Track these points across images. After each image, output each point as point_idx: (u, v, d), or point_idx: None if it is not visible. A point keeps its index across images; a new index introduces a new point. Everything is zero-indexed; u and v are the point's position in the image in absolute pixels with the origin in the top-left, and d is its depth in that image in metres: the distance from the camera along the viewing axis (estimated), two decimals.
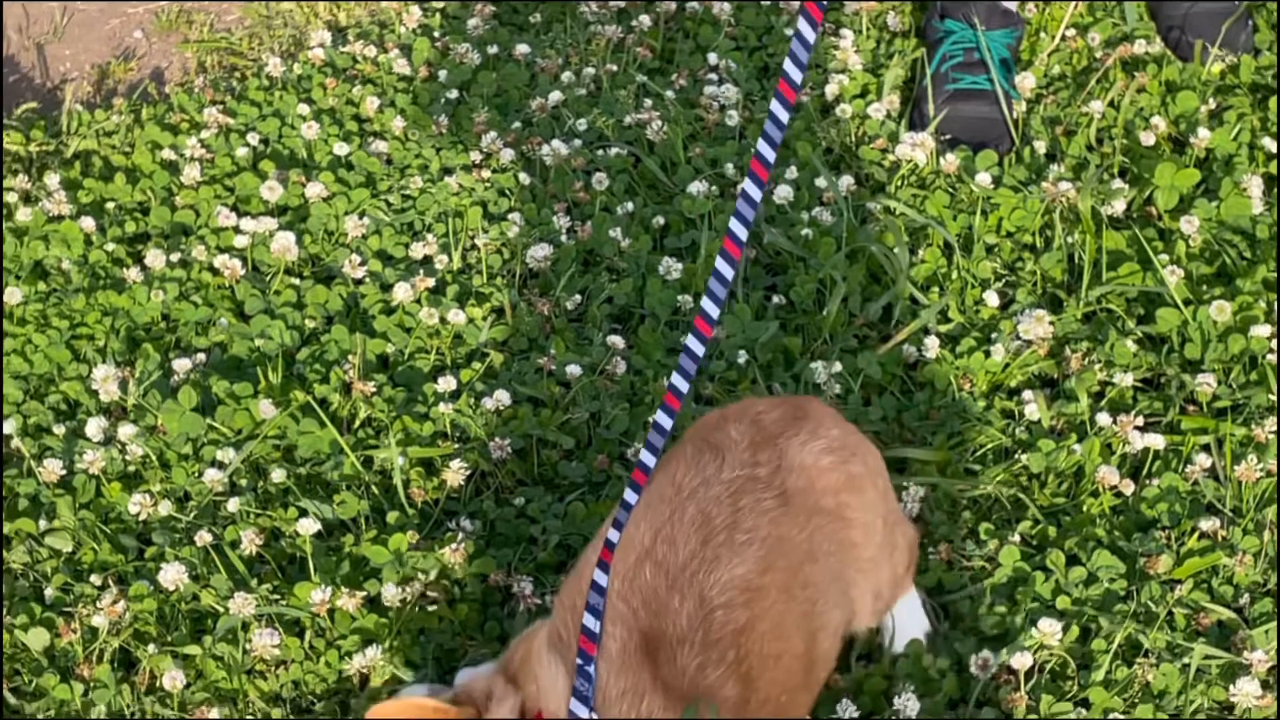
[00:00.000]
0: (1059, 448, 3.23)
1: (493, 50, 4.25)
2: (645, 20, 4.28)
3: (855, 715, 2.82)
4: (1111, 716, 2.83)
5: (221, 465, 3.27)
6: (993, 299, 3.58)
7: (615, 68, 4.18)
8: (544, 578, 3.10)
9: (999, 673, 2.90)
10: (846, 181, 3.77)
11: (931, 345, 3.46)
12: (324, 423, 3.32)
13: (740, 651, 2.49)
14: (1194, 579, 3.03)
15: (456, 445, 3.33)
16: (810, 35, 2.03)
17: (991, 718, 2.84)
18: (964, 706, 2.87)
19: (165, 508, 3.18)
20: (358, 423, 3.38)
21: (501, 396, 3.38)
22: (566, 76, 4.17)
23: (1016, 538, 3.12)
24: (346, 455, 3.27)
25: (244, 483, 3.27)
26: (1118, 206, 3.66)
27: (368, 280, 3.67)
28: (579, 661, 2.47)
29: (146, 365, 3.46)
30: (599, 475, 3.30)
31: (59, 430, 3.37)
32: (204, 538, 3.10)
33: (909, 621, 2.94)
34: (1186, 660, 2.90)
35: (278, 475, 3.24)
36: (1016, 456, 3.26)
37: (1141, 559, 3.05)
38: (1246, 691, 2.82)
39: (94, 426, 3.31)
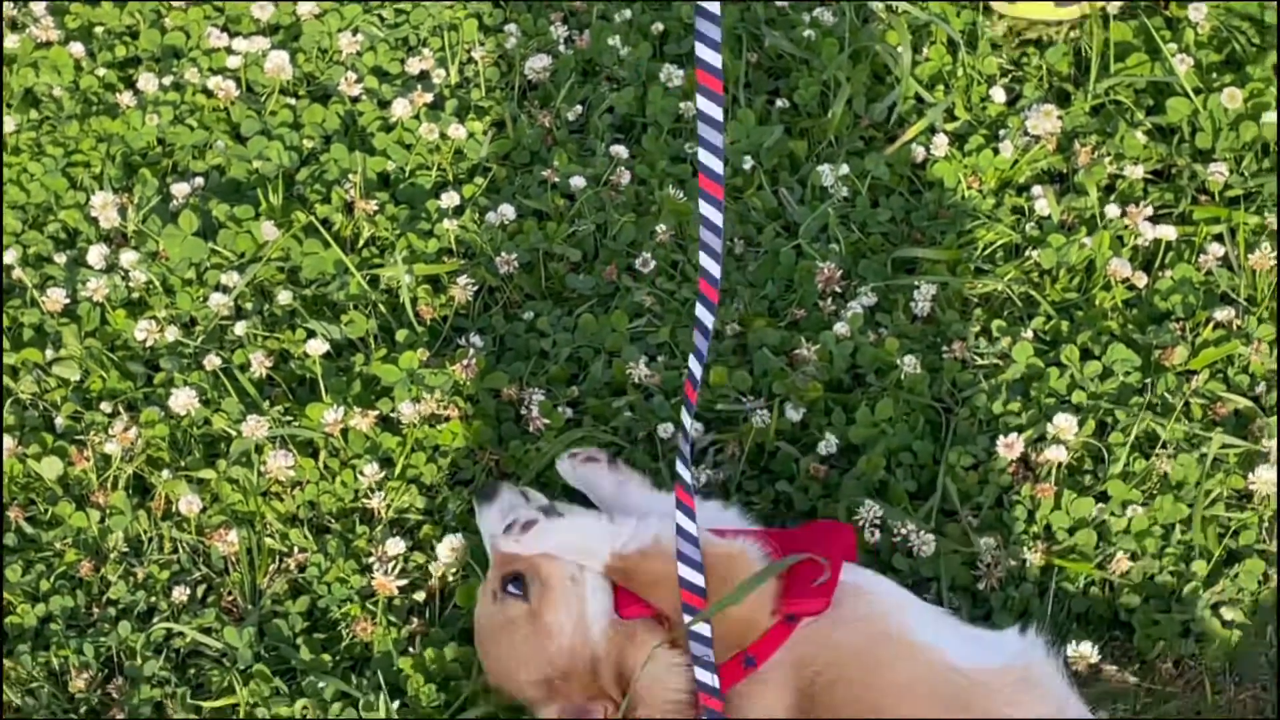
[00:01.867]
0: (1070, 242, 3.20)
1: None
2: None
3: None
4: (1130, 508, 2.83)
5: (226, 289, 3.24)
6: (999, 95, 3.52)
7: None
8: (556, 390, 3.08)
9: (1014, 467, 2.90)
10: None
11: (939, 144, 3.41)
12: (328, 243, 3.28)
13: None
14: (1209, 369, 3.02)
15: (462, 261, 3.30)
16: None
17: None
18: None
19: (172, 333, 3.15)
20: (361, 242, 3.34)
21: (506, 211, 3.34)
22: None
23: (1029, 334, 3.09)
24: (352, 275, 3.24)
25: (250, 306, 3.24)
26: None
27: (364, 98, 3.61)
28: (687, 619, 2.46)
29: (145, 191, 3.42)
30: (607, 286, 3.27)
31: (60, 259, 3.33)
32: (212, 362, 3.08)
33: None
34: (1204, 450, 2.89)
35: (284, 297, 3.22)
36: (1027, 253, 3.23)
37: (1156, 351, 3.03)
38: (1265, 479, 2.82)
39: (95, 254, 3.27)
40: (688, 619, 2.44)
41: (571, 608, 2.54)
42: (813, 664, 2.42)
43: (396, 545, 2.83)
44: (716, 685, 2.41)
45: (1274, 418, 2.95)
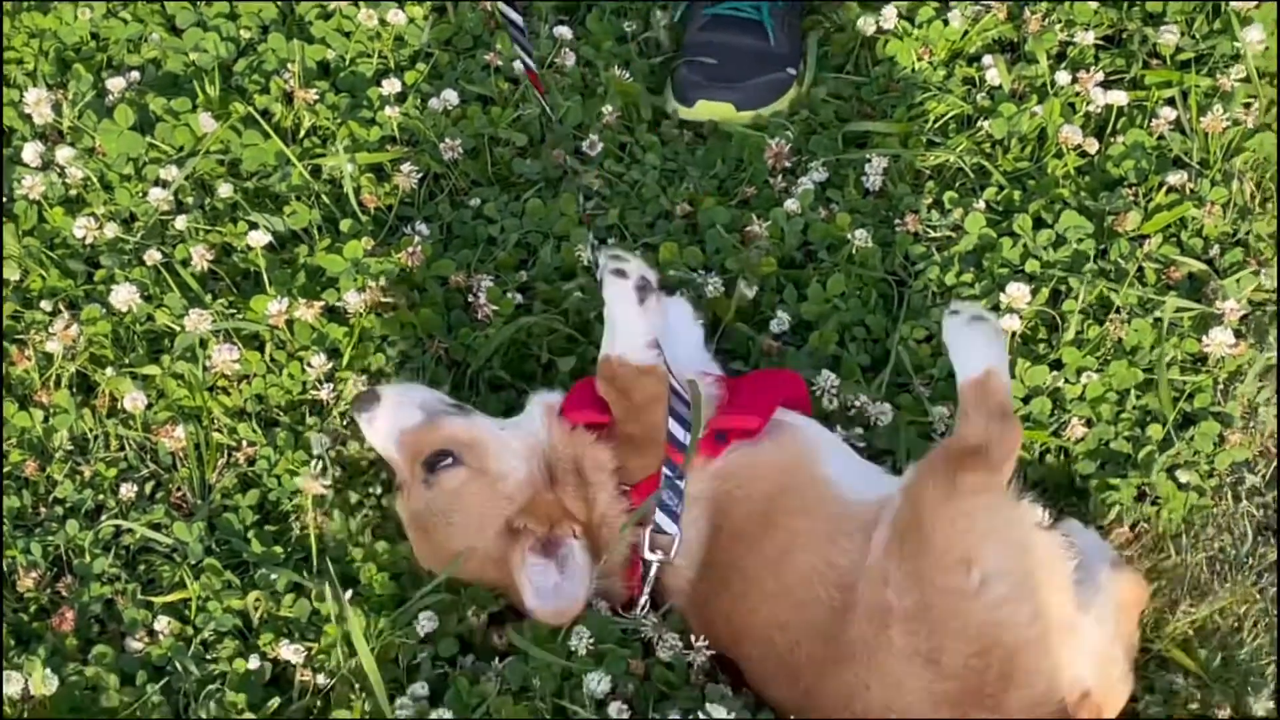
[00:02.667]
0: (1021, 111, 3.16)
1: None
2: None
3: None
4: (1085, 375, 2.81)
5: (165, 184, 3.17)
6: None
7: None
8: (505, 276, 3.04)
9: None
10: None
11: (888, 16, 3.35)
12: (268, 134, 3.22)
13: None
14: (1163, 233, 2.99)
15: (406, 149, 3.24)
16: None
17: None
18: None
19: (111, 230, 3.09)
20: (302, 132, 3.28)
21: (449, 96, 3.28)
22: None
23: (981, 204, 3.06)
24: (294, 165, 3.18)
25: (190, 200, 3.18)
26: None
27: None
28: (666, 472, 2.49)
29: (79, 86, 3.35)
30: (555, 171, 3.22)
31: None
32: (153, 257, 3.02)
33: None
34: (1158, 314, 2.87)
35: (224, 190, 3.16)
36: (978, 123, 3.19)
37: (1109, 217, 3.00)
38: (1220, 341, 2.79)
39: (30, 151, 3.20)
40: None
41: (512, 445, 2.58)
42: (734, 479, 2.52)
43: (321, 442, 2.80)
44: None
45: (1228, 279, 2.93)
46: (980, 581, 2.27)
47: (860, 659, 2.31)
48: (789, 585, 2.41)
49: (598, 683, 2.39)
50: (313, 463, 2.77)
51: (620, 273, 2.64)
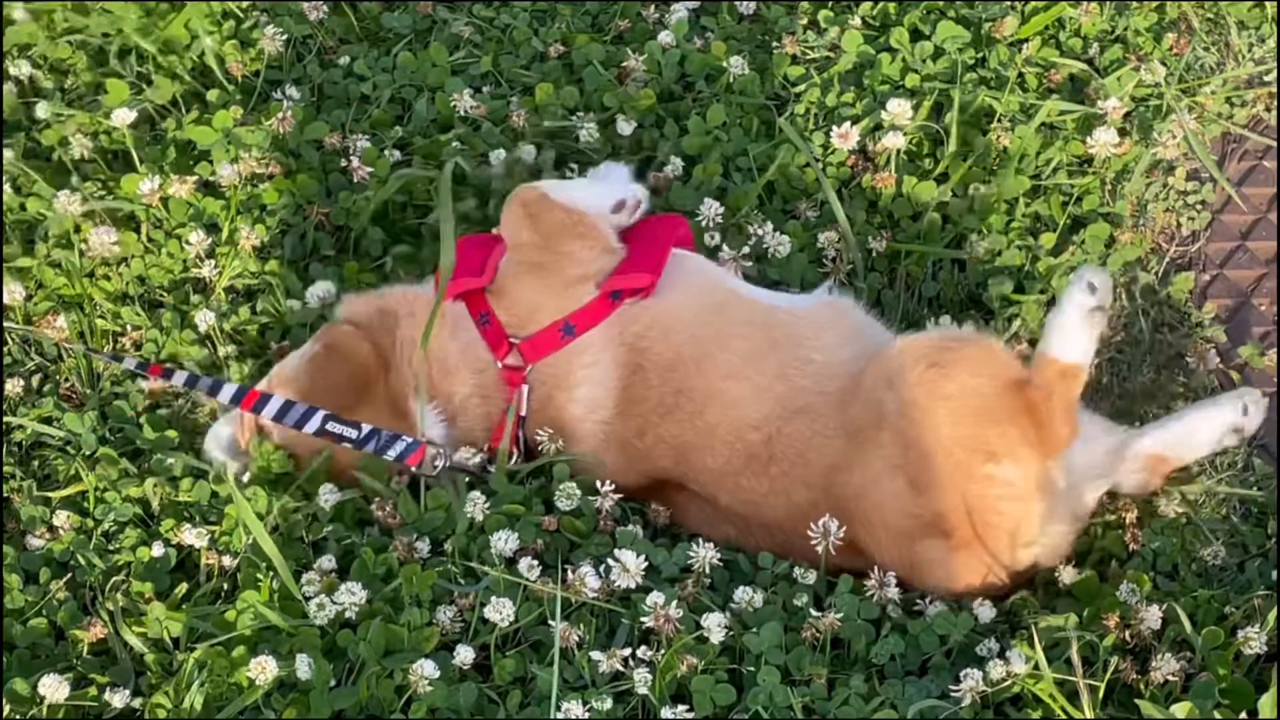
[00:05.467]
0: None
1: None
2: None
3: None
4: (972, 187, 2.79)
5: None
6: None
7: None
8: (381, 134, 2.97)
9: (852, 159, 2.85)
10: None
11: None
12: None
13: None
14: (1041, 36, 2.95)
15: (264, 14, 3.16)
16: None
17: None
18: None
19: None
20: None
21: None
22: None
23: (858, 21, 3.01)
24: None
25: (50, 84, 3.10)
26: None
27: None
28: None
29: None
30: (423, 22, 3.16)
31: None
32: (19, 142, 2.95)
33: None
34: (1042, 119, 2.84)
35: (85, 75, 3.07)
36: None
37: (986, 24, 2.96)
38: (1104, 141, 2.77)
39: None
40: None
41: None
42: (638, 331, 2.53)
43: (206, 317, 2.76)
44: None
45: (1109, 78, 2.90)
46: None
47: (853, 442, 2.39)
48: (762, 385, 2.46)
49: (505, 541, 2.38)
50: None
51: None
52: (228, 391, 2.54)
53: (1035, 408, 2.36)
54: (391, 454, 2.49)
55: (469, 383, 2.56)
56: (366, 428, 2.50)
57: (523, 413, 2.53)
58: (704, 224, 2.77)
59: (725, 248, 2.76)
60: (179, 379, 2.59)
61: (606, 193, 2.69)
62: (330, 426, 2.49)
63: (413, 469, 2.50)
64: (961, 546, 2.35)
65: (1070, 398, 2.39)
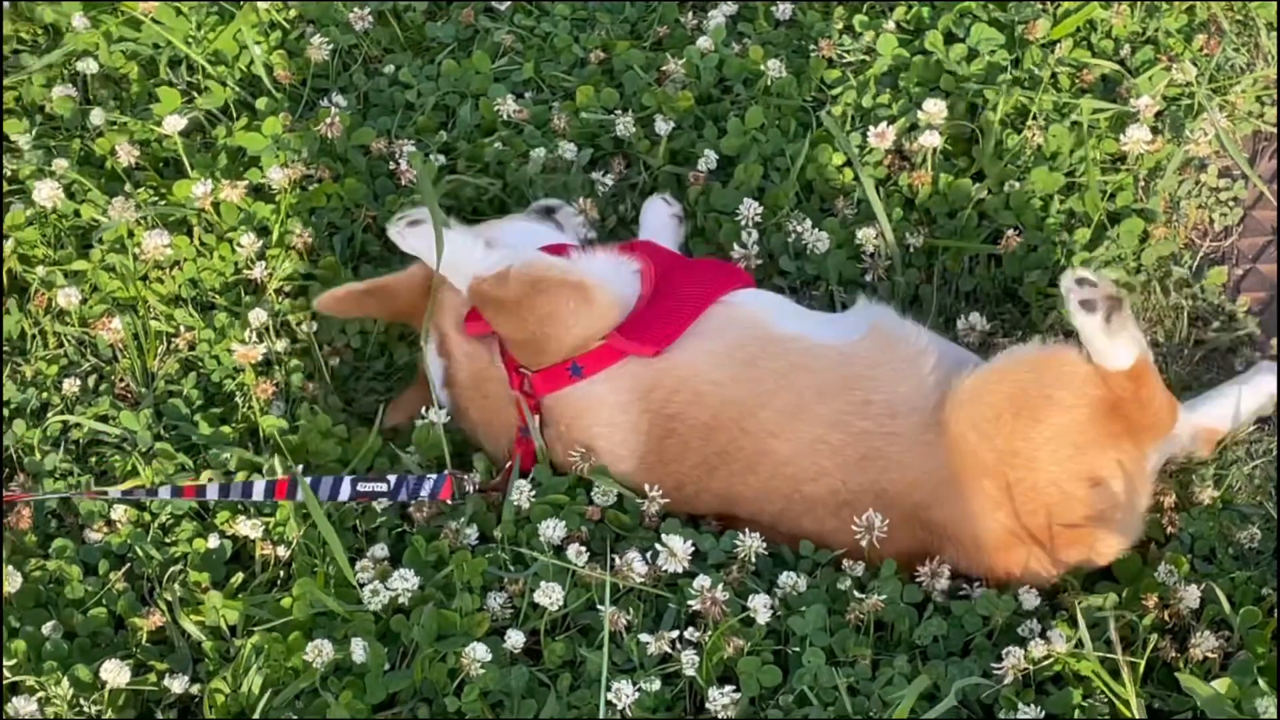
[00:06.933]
0: None
1: None
2: None
3: None
4: (1008, 184, 2.84)
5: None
6: None
7: None
8: (426, 140, 3.04)
9: (889, 158, 2.90)
10: None
11: None
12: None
13: None
14: (1073, 38, 3.00)
15: (310, 24, 3.23)
16: None
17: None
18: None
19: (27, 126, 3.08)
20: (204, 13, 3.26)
21: None
22: None
23: (892, 25, 3.07)
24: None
25: (104, 93, 3.17)
26: None
27: None
28: None
29: None
30: (466, 31, 3.22)
31: None
32: (74, 150, 3.02)
33: None
34: (1075, 118, 2.89)
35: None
36: None
37: (1019, 26, 3.01)
38: (1137, 138, 2.82)
39: None
40: None
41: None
42: (663, 396, 2.52)
43: (259, 316, 2.82)
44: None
45: (1140, 78, 2.95)
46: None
47: (944, 487, 2.41)
48: (815, 437, 2.45)
49: (552, 529, 2.43)
50: (248, 333, 2.80)
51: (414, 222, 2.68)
52: (259, 489, 2.57)
53: (1126, 413, 2.40)
54: (424, 493, 2.55)
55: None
56: (393, 478, 2.56)
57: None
58: (743, 223, 2.82)
59: (736, 246, 2.81)
60: (212, 492, 2.59)
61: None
62: (360, 488, 2.55)
63: (448, 501, 2.56)
64: (1065, 546, 2.41)
65: (1149, 391, 2.41)
